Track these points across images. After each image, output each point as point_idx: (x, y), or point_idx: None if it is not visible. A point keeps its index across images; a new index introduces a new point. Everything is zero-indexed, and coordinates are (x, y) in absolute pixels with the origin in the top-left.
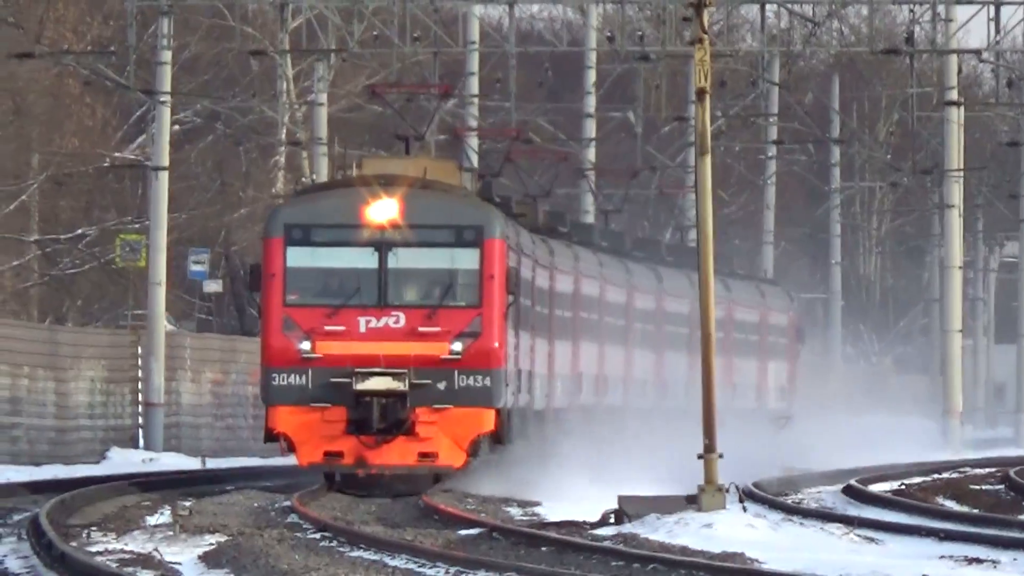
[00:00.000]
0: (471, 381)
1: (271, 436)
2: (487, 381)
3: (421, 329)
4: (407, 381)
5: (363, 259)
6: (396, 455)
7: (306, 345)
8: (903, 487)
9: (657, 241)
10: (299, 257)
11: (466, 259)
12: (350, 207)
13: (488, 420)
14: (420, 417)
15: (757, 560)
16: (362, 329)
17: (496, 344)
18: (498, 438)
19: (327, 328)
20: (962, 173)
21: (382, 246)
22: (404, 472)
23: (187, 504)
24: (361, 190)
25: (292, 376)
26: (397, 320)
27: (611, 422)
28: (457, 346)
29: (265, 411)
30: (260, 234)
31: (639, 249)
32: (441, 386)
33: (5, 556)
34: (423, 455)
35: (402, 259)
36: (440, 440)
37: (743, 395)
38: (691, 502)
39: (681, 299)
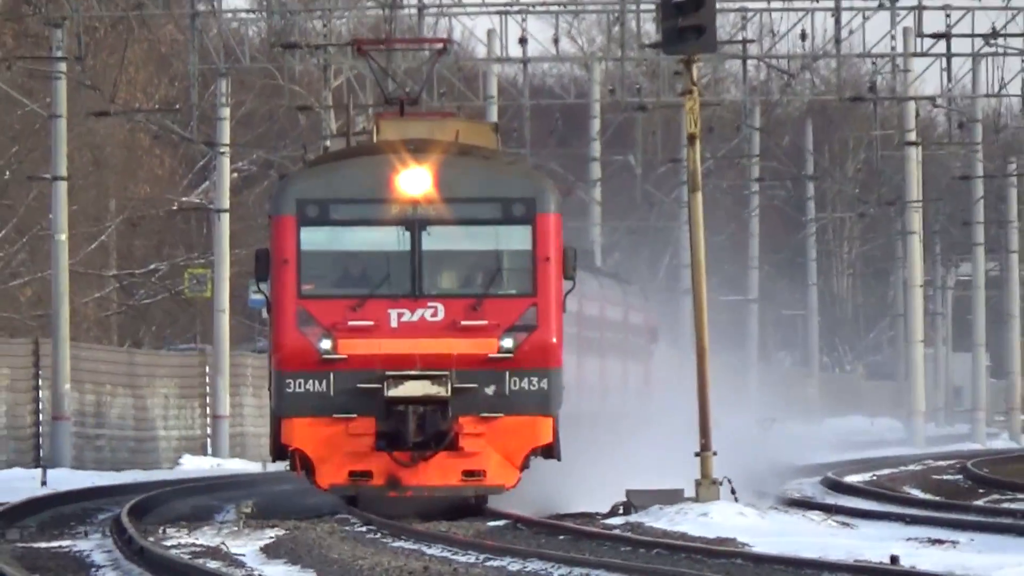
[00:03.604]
0: (525, 384)
1: (282, 453)
2: (544, 384)
3: (464, 323)
4: (448, 385)
5: (392, 240)
6: (436, 474)
7: (326, 344)
8: (874, 478)
9: None
10: (315, 239)
11: (516, 238)
12: (375, 178)
13: (545, 431)
14: (464, 428)
15: (747, 544)
16: (393, 324)
17: (554, 339)
18: (551, 452)
19: (351, 323)
20: (921, 204)
21: (415, 224)
22: (445, 494)
23: (250, 503)
24: (388, 157)
25: (310, 381)
26: (435, 312)
27: None
28: (508, 342)
29: (275, 423)
30: (267, 211)
31: None
32: (489, 391)
33: (92, 551)
34: (468, 473)
35: (439, 239)
36: (488, 455)
37: (614, 397)
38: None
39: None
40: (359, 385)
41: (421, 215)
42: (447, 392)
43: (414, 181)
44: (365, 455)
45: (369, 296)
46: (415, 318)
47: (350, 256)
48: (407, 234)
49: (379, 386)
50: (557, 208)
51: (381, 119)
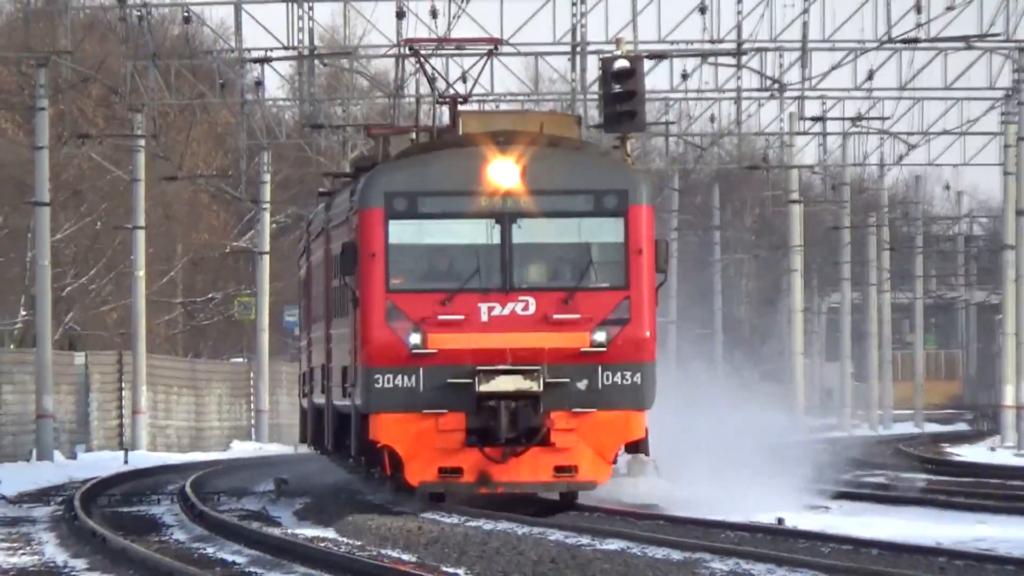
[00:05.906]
0: (618, 378)
1: (366, 448)
2: (637, 378)
3: (556, 316)
4: (540, 380)
5: (482, 233)
6: (527, 470)
7: (416, 339)
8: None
9: None
10: (404, 232)
11: (608, 230)
12: (464, 171)
13: (638, 426)
14: (556, 423)
15: (667, 509)
16: (484, 318)
17: (647, 333)
18: (640, 447)
19: (441, 318)
20: (801, 248)
21: (505, 217)
22: (537, 489)
23: (284, 477)
24: (477, 149)
25: (399, 377)
26: (526, 306)
27: None
28: (600, 336)
29: (360, 419)
30: (354, 206)
31: None
32: (581, 385)
33: (163, 514)
34: (560, 469)
35: (530, 232)
36: (581, 451)
37: None
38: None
39: None
40: (449, 380)
41: (511, 208)
42: (539, 387)
43: (504, 173)
44: (455, 451)
45: (459, 290)
46: (506, 312)
47: (439, 249)
48: (497, 227)
49: (470, 381)
50: (650, 200)
51: (462, 114)
